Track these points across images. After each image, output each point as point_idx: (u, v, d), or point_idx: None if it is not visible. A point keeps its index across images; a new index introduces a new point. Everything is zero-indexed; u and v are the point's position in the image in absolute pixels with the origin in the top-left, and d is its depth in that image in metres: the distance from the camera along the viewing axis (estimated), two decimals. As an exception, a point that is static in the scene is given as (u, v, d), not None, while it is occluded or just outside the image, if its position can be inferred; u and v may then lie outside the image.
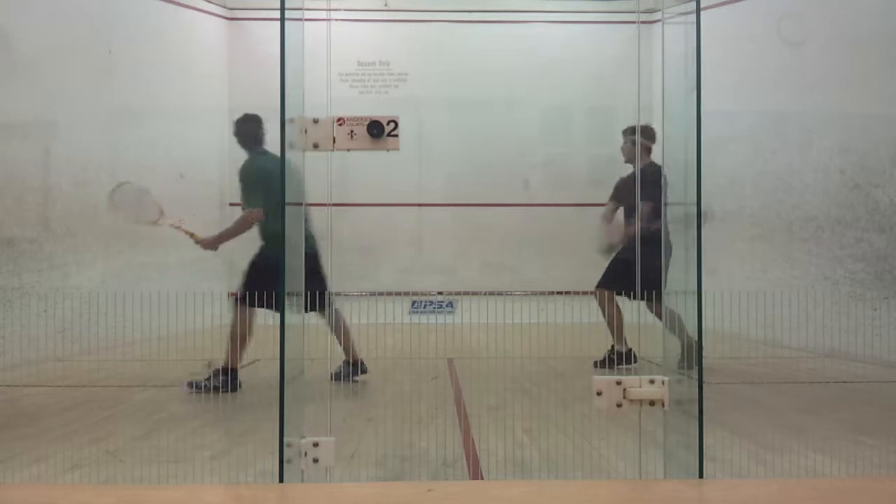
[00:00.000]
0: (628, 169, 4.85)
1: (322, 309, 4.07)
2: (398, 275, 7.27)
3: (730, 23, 6.33)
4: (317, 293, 3.97)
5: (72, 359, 5.06)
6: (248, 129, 4.31)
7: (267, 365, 4.52)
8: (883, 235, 5.23)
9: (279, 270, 4.12)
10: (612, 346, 4.69)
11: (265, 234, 4.19)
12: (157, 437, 3.12)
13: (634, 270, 4.35)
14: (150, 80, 6.48)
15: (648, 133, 4.67)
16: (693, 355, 4.09)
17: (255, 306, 4.05)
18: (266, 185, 4.16)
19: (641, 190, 4.67)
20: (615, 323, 4.70)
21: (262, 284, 3.98)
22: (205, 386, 3.99)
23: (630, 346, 4.62)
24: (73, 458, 2.72)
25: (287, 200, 2.11)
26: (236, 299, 4.14)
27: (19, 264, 5.13)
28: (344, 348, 4.17)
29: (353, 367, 4.18)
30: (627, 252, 4.64)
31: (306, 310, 3.97)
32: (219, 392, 3.93)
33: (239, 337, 4.04)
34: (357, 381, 4.13)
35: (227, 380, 3.99)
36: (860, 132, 5.45)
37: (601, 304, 4.74)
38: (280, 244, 2.11)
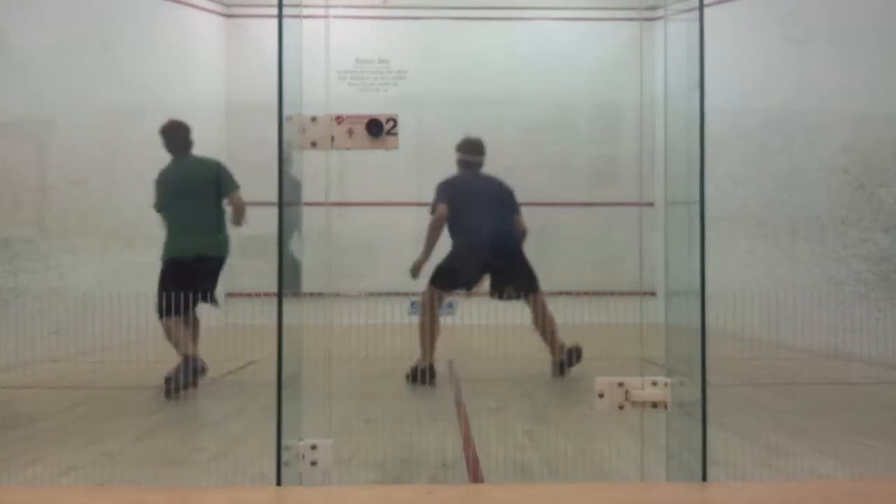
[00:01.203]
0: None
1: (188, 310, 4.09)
2: (398, 275, 7.23)
3: (733, 20, 6.31)
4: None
5: (68, 359, 5.04)
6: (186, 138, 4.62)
7: (264, 366, 4.49)
8: (888, 235, 5.20)
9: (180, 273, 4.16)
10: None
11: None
12: (154, 438, 3.10)
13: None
14: (147, 78, 6.45)
15: (470, 146, 4.78)
16: (561, 368, 4.10)
17: (171, 314, 4.04)
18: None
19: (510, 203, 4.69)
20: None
21: (170, 287, 4.08)
22: (175, 385, 3.85)
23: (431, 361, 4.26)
24: (69, 461, 2.70)
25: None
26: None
27: (15, 264, 5.11)
28: (181, 345, 4.01)
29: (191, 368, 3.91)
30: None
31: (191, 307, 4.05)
32: (195, 386, 3.90)
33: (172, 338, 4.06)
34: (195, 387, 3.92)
35: (194, 369, 3.91)
36: (864, 131, 5.43)
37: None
38: (278, 245, 2.08)
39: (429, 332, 4.35)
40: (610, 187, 7.26)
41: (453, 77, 7.43)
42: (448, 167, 7.44)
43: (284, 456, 2.04)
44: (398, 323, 6.18)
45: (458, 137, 7.48)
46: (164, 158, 6.83)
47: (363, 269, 7.21)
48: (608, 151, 7.48)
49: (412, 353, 4.40)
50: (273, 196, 2.05)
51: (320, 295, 2.37)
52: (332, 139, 2.08)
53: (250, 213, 6.36)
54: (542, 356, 4.63)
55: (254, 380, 4.45)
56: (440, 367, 4.49)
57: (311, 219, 2.21)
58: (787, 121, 6.03)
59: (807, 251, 5.81)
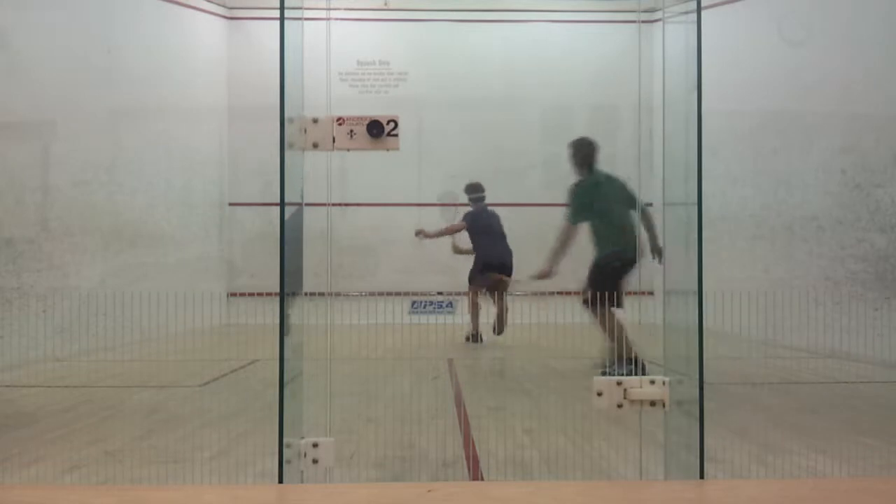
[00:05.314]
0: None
1: None
2: (398, 275, 7.27)
3: (731, 22, 6.33)
4: None
5: (71, 359, 5.05)
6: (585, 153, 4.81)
7: (266, 365, 4.52)
8: (884, 235, 5.22)
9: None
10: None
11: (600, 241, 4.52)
12: (157, 437, 3.11)
13: None
14: (150, 80, 6.48)
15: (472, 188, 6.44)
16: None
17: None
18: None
19: None
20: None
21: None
22: None
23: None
24: (73, 459, 2.71)
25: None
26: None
27: (18, 264, 5.13)
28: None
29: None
30: None
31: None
32: None
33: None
34: None
35: None
36: (861, 132, 5.45)
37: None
38: (280, 245, 2.10)
39: (473, 312, 6.13)
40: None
41: (453, 79, 7.45)
42: (448, 167, 7.50)
43: (286, 454, 2.05)
44: (398, 323, 6.21)
45: (458, 138, 7.54)
46: (165, 157, 6.86)
47: (363, 269, 7.23)
48: (607, 152, 7.47)
49: (412, 353, 4.43)
50: (275, 196, 2.07)
51: (321, 295, 2.38)
52: (334, 140, 2.09)
53: (253, 213, 6.37)
54: (542, 355, 4.65)
55: (255, 379, 4.47)
56: (443, 365, 4.53)
57: (311, 219, 2.22)
58: (785, 122, 6.05)
59: (804, 251, 5.83)
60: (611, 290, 4.18)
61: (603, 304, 4.18)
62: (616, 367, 4.11)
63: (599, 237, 4.49)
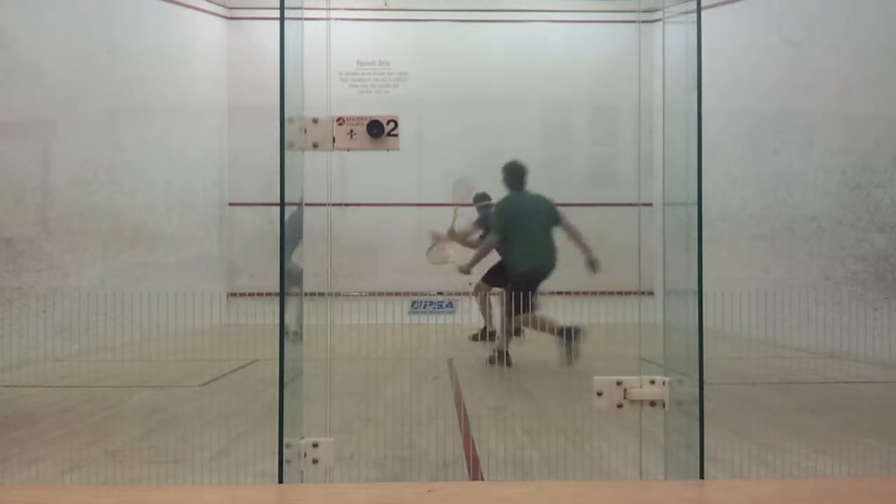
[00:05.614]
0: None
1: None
2: (398, 275, 7.27)
3: (731, 22, 6.33)
4: None
5: (71, 359, 5.06)
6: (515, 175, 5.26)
7: (266, 365, 4.52)
8: (884, 235, 5.23)
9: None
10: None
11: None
12: (157, 437, 3.11)
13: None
14: (150, 80, 6.48)
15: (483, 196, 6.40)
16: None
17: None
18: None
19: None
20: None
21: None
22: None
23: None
24: (73, 459, 2.72)
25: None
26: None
27: (19, 264, 5.13)
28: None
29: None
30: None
31: None
32: None
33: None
34: None
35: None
36: (861, 132, 5.45)
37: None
38: (280, 245, 2.10)
39: (485, 308, 6.04)
40: (608, 188, 7.29)
41: (453, 79, 7.46)
42: (448, 167, 7.51)
43: (286, 454, 2.05)
44: (398, 323, 6.21)
45: (458, 138, 7.56)
46: (165, 157, 6.88)
47: (363, 269, 7.24)
48: (607, 152, 7.51)
49: (412, 353, 4.43)
50: (275, 196, 2.07)
51: (321, 295, 2.39)
52: (334, 140, 2.09)
53: (253, 213, 6.39)
54: (541, 355, 4.65)
55: (255, 379, 4.47)
56: (443, 365, 4.54)
57: (311, 219, 2.23)
58: (785, 122, 6.05)
59: (804, 251, 5.83)
60: (526, 295, 4.72)
61: (528, 310, 4.72)
62: (568, 355, 4.48)
63: (515, 248, 5.03)
